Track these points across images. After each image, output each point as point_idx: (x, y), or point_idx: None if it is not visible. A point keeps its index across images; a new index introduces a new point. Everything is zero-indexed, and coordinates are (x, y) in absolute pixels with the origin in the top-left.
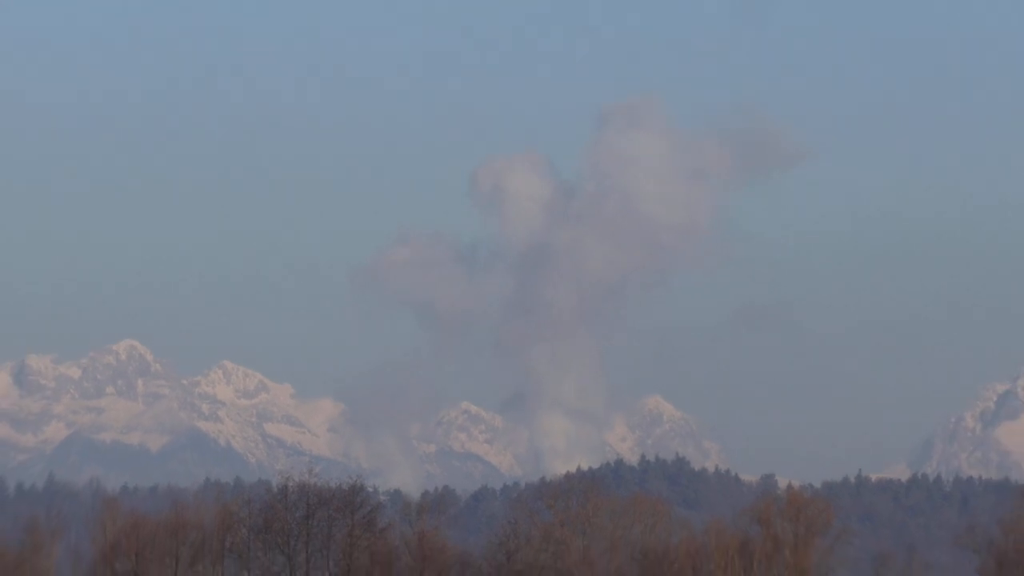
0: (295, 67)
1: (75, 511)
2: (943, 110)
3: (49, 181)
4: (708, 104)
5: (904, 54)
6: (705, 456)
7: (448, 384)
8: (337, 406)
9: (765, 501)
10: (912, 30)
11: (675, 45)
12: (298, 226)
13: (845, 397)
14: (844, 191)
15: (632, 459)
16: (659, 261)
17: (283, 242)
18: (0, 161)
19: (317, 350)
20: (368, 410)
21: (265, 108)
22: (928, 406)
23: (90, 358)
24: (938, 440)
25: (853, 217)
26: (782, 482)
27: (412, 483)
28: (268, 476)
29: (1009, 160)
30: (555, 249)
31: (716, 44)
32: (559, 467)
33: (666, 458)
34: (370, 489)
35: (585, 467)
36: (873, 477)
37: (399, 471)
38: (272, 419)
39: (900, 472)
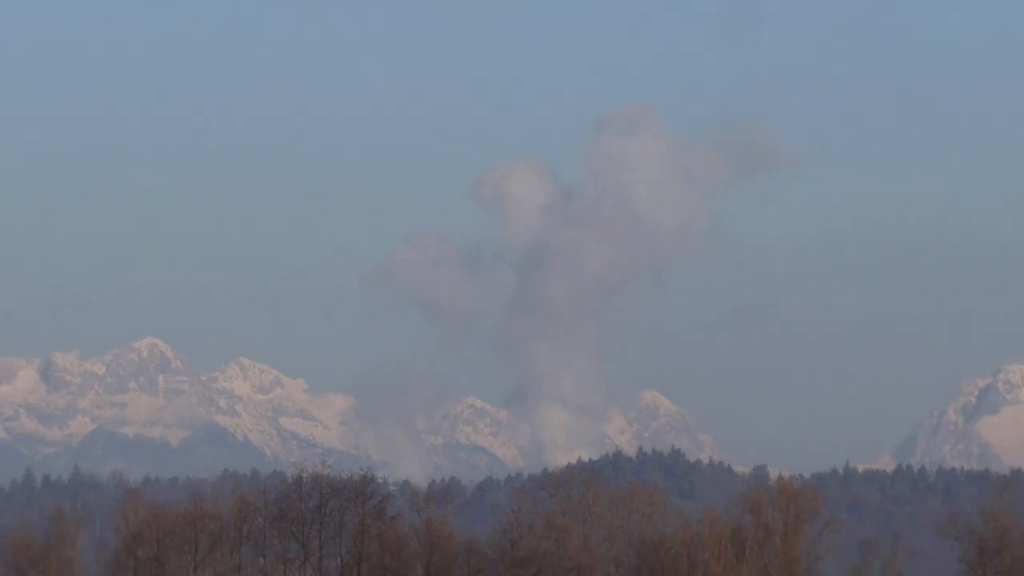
0: (311, 82)
1: (99, 502)
2: (928, 117)
3: (75, 187)
4: (701, 112)
5: (892, 62)
6: (699, 448)
7: (454, 379)
8: (348, 401)
9: (757, 491)
10: (901, 37)
11: (669, 56)
12: (311, 230)
13: (833, 392)
14: (831, 195)
15: (630, 451)
16: (654, 261)
17: (296, 245)
18: (28, 166)
19: (329, 347)
20: (378, 404)
21: (281, 120)
22: (913, 401)
23: (113, 355)
24: (922, 433)
25: (840, 220)
26: (773, 473)
27: (420, 474)
28: (283, 468)
29: (993, 165)
30: (555, 250)
31: (708, 55)
32: (560, 459)
33: (662, 450)
34: (380, 480)
35: (585, 459)
36: (860, 468)
37: (407, 463)
38: (286, 413)
39: (886, 463)
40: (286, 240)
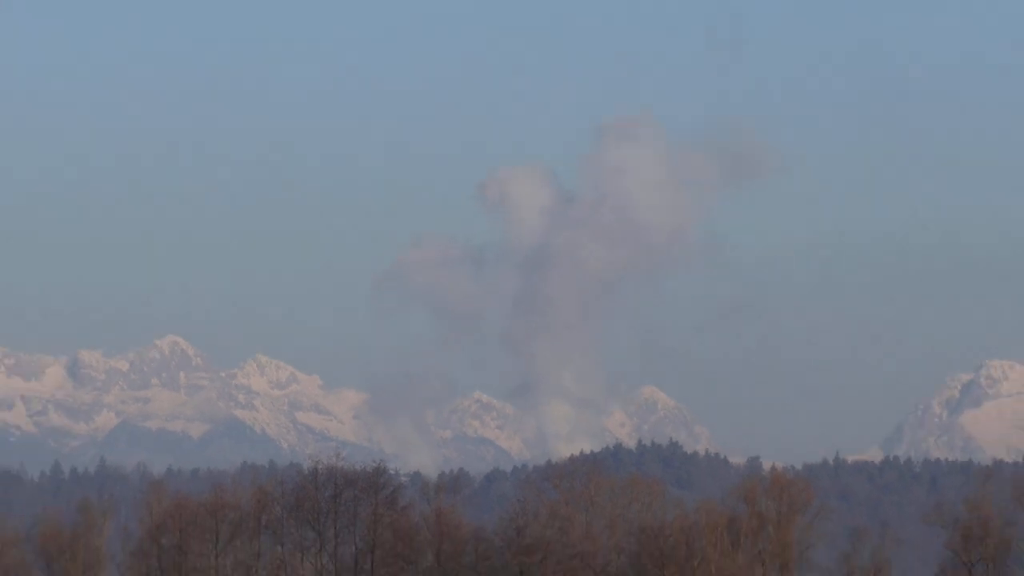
0: (325, 94)
1: (124, 493)
2: (910, 127)
3: (98, 193)
4: (695, 120)
5: (877, 71)
6: (696, 441)
7: (461, 375)
8: (361, 396)
9: (751, 482)
10: (887, 47)
11: (665, 66)
12: (325, 232)
13: (823, 387)
14: (820, 199)
15: (630, 443)
16: (651, 262)
17: (312, 247)
18: (54, 175)
19: (342, 345)
20: (389, 399)
21: (298, 131)
22: (899, 395)
23: (137, 353)
24: (908, 426)
25: (828, 223)
26: (766, 464)
27: (430, 465)
28: (299, 460)
29: (974, 172)
30: (557, 251)
31: (703, 66)
32: (563, 451)
33: (661, 443)
34: (392, 471)
35: (587, 451)
36: (849, 459)
37: (418, 455)
38: (302, 408)
39: (874, 455)
40: (301, 244)
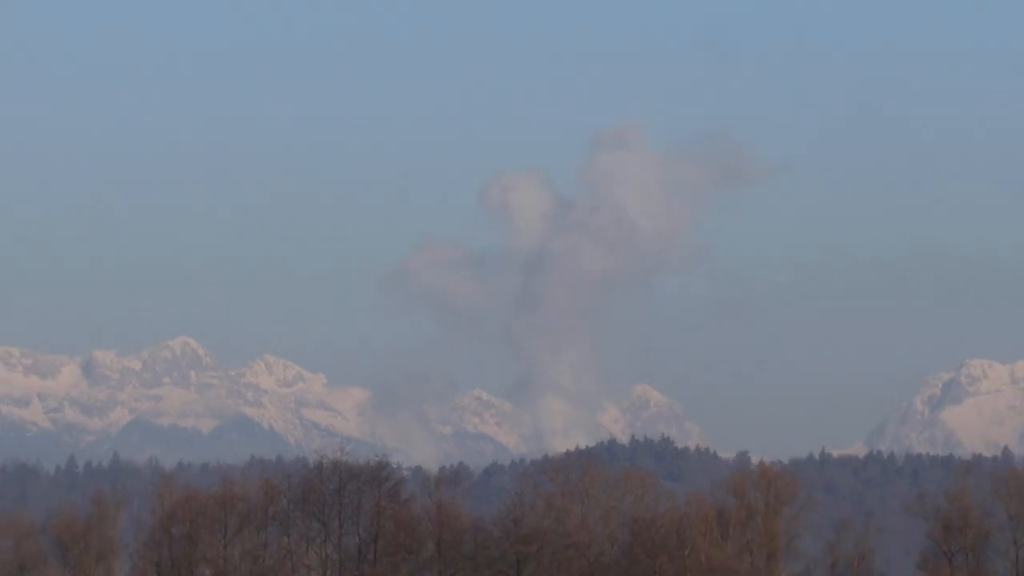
0: (337, 104)
1: (137, 486)
2: (893, 137)
3: (114, 201)
4: (687, 129)
5: (864, 83)
6: (687, 436)
7: (462, 373)
8: (365, 393)
9: (740, 475)
10: (875, 60)
11: (659, 78)
12: (332, 235)
13: (810, 384)
14: (805, 205)
15: (623, 439)
16: (645, 266)
17: (319, 250)
18: (73, 183)
19: (347, 344)
20: (392, 396)
21: (307, 138)
22: (883, 392)
23: (149, 353)
24: (892, 422)
25: (814, 227)
26: (755, 458)
27: (431, 460)
28: (305, 455)
29: (959, 178)
30: (555, 255)
31: (695, 77)
32: (559, 446)
33: (653, 438)
34: (394, 465)
35: (582, 446)
36: (834, 454)
37: (420, 450)
38: (308, 405)
39: (858, 449)
40: (308, 248)
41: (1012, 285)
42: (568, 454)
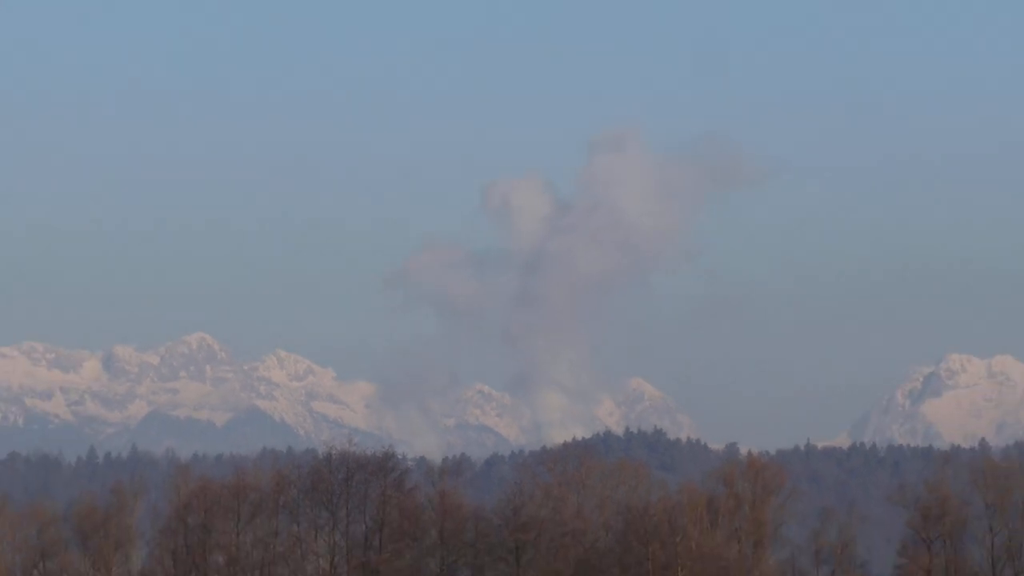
0: (342, 112)
1: (154, 476)
2: (879, 143)
3: (134, 206)
4: (683, 132)
5: (858, 88)
6: (679, 428)
7: (464, 368)
8: (372, 387)
9: (729, 466)
10: (869, 65)
11: (654, 83)
12: (340, 236)
13: (796, 378)
14: (795, 206)
15: (618, 430)
16: (640, 265)
17: (327, 250)
18: (95, 188)
19: (355, 340)
20: (398, 390)
21: (316, 142)
22: (865, 386)
23: (167, 348)
24: (874, 414)
25: (802, 228)
26: (743, 450)
27: (435, 451)
28: (315, 446)
29: (944, 182)
30: (553, 255)
31: (689, 82)
32: (557, 437)
33: (647, 430)
34: (399, 456)
35: (579, 437)
36: (819, 445)
37: (424, 441)
38: (318, 398)
39: (842, 441)
40: (317, 248)
41: (990, 284)
42: (565, 445)
